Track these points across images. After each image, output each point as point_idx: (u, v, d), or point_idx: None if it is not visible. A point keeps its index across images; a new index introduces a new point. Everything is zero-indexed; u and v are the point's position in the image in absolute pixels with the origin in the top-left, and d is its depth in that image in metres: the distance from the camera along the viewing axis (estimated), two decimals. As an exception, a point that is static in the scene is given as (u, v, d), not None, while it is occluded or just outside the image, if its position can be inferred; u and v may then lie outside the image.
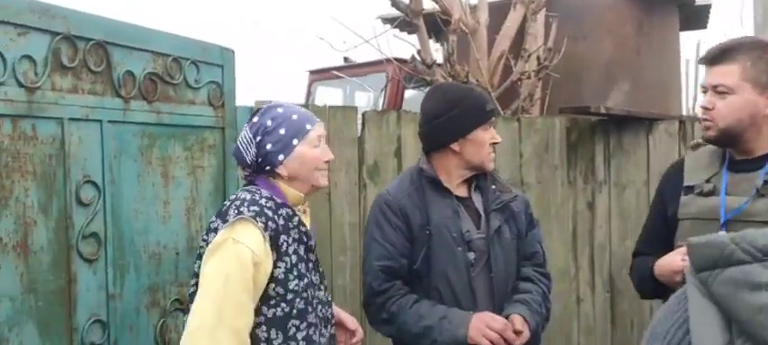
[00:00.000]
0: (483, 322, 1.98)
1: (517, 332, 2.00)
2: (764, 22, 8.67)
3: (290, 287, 1.77)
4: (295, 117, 1.87)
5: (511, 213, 2.17)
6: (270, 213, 1.77)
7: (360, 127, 3.09)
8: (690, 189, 1.97)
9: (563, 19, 3.94)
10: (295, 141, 1.84)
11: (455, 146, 2.11)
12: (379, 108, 6.06)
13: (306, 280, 1.82)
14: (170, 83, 2.40)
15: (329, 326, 1.94)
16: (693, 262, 0.58)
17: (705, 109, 1.86)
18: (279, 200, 1.83)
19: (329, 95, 7.48)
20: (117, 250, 2.17)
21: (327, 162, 1.93)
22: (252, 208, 1.75)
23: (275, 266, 1.74)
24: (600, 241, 3.58)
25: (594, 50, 4.36)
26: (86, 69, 2.11)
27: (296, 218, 1.84)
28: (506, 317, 2.03)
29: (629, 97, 4.09)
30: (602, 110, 3.46)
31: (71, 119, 2.04)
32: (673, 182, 2.05)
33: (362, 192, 3.04)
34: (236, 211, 1.75)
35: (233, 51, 2.69)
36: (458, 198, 2.15)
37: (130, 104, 2.24)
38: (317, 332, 1.84)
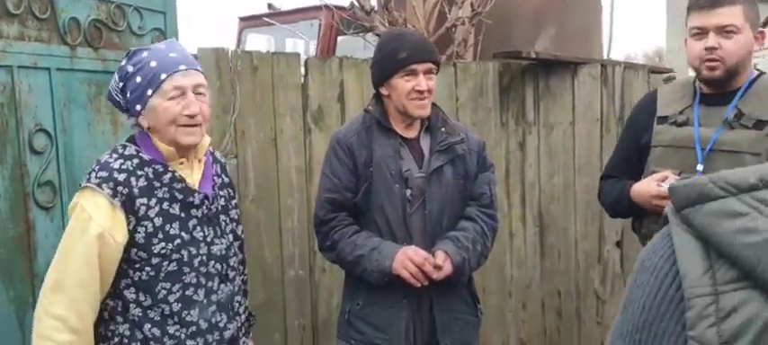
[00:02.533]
0: (406, 256, 2.12)
1: (437, 267, 2.14)
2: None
3: (155, 251, 1.70)
4: (153, 64, 1.71)
5: (456, 155, 2.28)
6: (123, 176, 1.67)
7: (303, 73, 3.15)
8: (664, 119, 2.17)
9: (494, -34, 4.06)
10: (149, 91, 1.70)
11: (383, 91, 2.26)
12: (311, 55, 6.07)
13: (178, 241, 1.73)
14: (114, 29, 2.39)
15: (228, 282, 1.86)
16: (675, 202, 0.66)
17: (712, 49, 1.98)
18: (148, 157, 1.73)
19: (260, 43, 7.40)
20: (72, 198, 2.19)
21: (190, 116, 1.72)
22: (100, 174, 1.67)
23: (135, 231, 1.68)
24: (530, 179, 3.81)
25: (522, -3, 4.53)
26: (32, 16, 2.08)
27: (167, 175, 1.74)
28: (434, 252, 2.18)
29: (555, 42, 4.30)
30: (533, 55, 3.64)
31: (20, 66, 2.02)
32: (646, 112, 2.25)
33: (308, 137, 3.12)
34: (87, 177, 1.69)
35: (174, -3, 2.69)
36: (404, 138, 2.27)
37: (77, 52, 2.23)
38: (201, 291, 1.78)
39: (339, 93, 3.20)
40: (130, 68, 1.72)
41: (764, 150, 1.96)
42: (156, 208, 1.70)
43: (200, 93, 1.76)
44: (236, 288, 1.91)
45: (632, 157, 2.28)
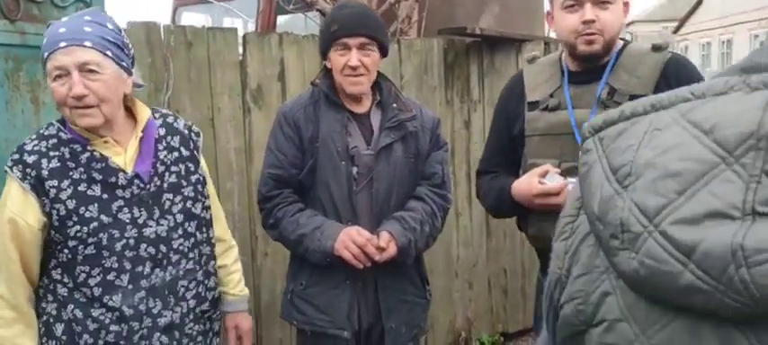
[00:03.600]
0: (348, 236, 2.06)
1: (381, 249, 2.07)
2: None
3: (71, 234, 1.64)
4: (45, 41, 1.62)
5: (407, 132, 2.19)
6: (33, 159, 1.62)
7: (241, 50, 3.01)
8: (534, 104, 1.97)
9: (437, -58, 3.99)
10: (44, 71, 1.64)
11: (327, 64, 2.17)
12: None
13: (94, 224, 1.64)
14: (33, 1, 2.20)
15: (169, 266, 1.75)
16: (593, 127, 0.71)
17: (589, 22, 1.81)
18: (67, 136, 1.66)
19: (196, 21, 7.15)
20: (-12, 182, 2.02)
21: (76, 98, 1.60)
22: (13, 157, 1.64)
23: (50, 213, 1.63)
24: (476, 157, 3.77)
25: (467, -26, 4.47)
26: (-63, -17, 1.89)
27: (85, 155, 1.65)
28: (378, 233, 2.11)
29: (498, 19, 4.27)
30: (477, 32, 3.60)
31: (-76, 39, 1.83)
32: (514, 98, 2.06)
33: (247, 117, 2.99)
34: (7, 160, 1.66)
35: (100, -32, 2.50)
36: (354, 114, 2.19)
37: (-10, 24, 2.05)
38: (125, 276, 1.68)
39: (279, 71, 3.08)
40: (44, 41, 1.65)
41: None
42: (69, 190, 1.63)
43: (90, 71, 1.61)
44: (182, 272, 1.79)
45: (507, 148, 2.08)
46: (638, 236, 0.59)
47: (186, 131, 1.90)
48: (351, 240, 2.06)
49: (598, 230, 0.65)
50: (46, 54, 1.61)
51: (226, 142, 2.93)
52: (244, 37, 3.03)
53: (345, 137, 2.14)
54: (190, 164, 1.86)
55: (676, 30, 34.52)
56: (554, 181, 1.87)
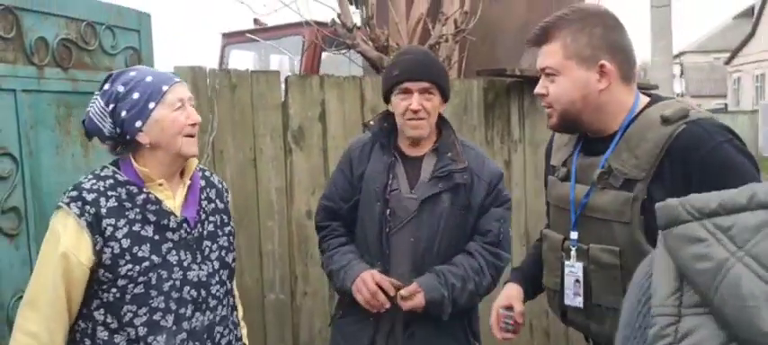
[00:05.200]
0: (362, 280, 2.09)
1: (404, 298, 2.07)
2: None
3: (122, 272, 1.67)
4: (149, 79, 1.73)
5: (456, 183, 2.15)
6: (92, 196, 1.67)
7: (283, 91, 3.08)
8: (553, 169, 1.84)
9: (478, -18, 4.03)
10: (151, 105, 1.70)
11: (390, 108, 2.24)
12: (296, 71, 6.01)
13: (146, 263, 1.69)
14: (85, 49, 2.31)
15: (207, 311, 1.80)
16: (659, 223, 0.66)
17: (541, 95, 1.69)
18: (123, 178, 1.72)
19: (243, 59, 7.34)
20: (39, 224, 2.09)
21: (194, 125, 1.76)
22: (71, 194, 1.67)
23: (102, 251, 1.66)
24: (517, 197, 3.75)
25: (508, 13, 4.50)
26: (-4, 35, 2.00)
27: (141, 196, 1.72)
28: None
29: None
30: (517, 72, 3.60)
31: (-17, 88, 1.94)
32: (546, 161, 1.96)
33: (288, 157, 3.04)
34: (63, 196, 1.70)
35: (149, 15, 2.61)
36: (407, 157, 2.22)
37: (45, 72, 2.15)
38: (170, 317, 1.73)
39: (320, 113, 3.13)
40: (121, 88, 1.71)
41: (634, 217, 1.56)
42: (125, 229, 1.68)
43: (192, 106, 1.81)
44: (218, 319, 1.84)
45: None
46: None
47: (220, 185, 1.99)
48: (364, 284, 2.09)
49: None
50: (165, 87, 1.72)
51: (267, 182, 2.99)
52: (286, 79, 3.10)
53: (385, 179, 2.18)
54: (224, 216, 1.94)
55: (728, 62, 33.75)
56: (505, 326, 1.89)
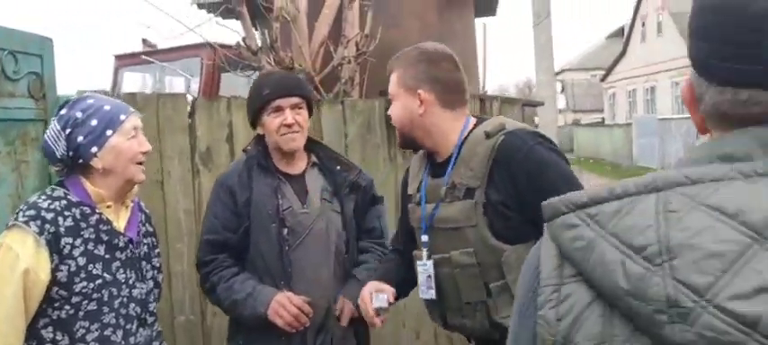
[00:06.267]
0: (279, 304, 2.14)
1: (338, 317, 2.21)
2: (542, 8, 9.80)
3: (76, 290, 1.74)
4: (108, 107, 1.83)
5: (346, 189, 2.33)
6: (51, 216, 1.73)
7: (189, 114, 3.10)
8: (411, 198, 2.06)
9: (377, 7, 4.21)
10: (109, 132, 1.80)
11: (260, 130, 2.31)
12: (194, 93, 5.95)
13: (99, 281, 1.77)
14: (-14, 74, 2.26)
15: (147, 327, 1.92)
16: (544, 216, 0.83)
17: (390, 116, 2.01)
18: (75, 199, 1.79)
19: (137, 81, 7.17)
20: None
21: (145, 153, 1.88)
22: (27, 213, 1.72)
23: (57, 269, 1.72)
24: (418, 211, 3.93)
25: (404, 36, 4.70)
26: None
27: (94, 217, 1.80)
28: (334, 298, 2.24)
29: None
30: (416, 92, 3.79)
31: None
32: (405, 191, 2.15)
33: (196, 179, 3.07)
34: (15, 216, 1.75)
35: (51, 40, 2.58)
36: (287, 175, 2.30)
37: (-56, 99, 2.09)
38: (120, 332, 1.82)
39: (228, 134, 3.18)
40: (80, 114, 1.79)
41: (479, 219, 1.82)
42: (81, 248, 1.75)
43: (142, 135, 1.92)
44: (154, 334, 1.97)
45: (410, 236, 2.13)
46: (690, 311, 0.67)
47: (147, 211, 2.10)
48: (282, 306, 2.14)
49: (630, 304, 0.71)
50: (122, 116, 1.84)
51: (175, 203, 3.00)
52: (193, 102, 3.13)
53: (275, 200, 2.24)
54: (154, 239, 2.06)
55: (603, 79, 36.18)
56: (378, 302, 1.98)
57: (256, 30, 4.48)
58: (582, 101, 41.59)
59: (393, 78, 1.96)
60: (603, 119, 36.08)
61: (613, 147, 26.13)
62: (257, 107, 2.26)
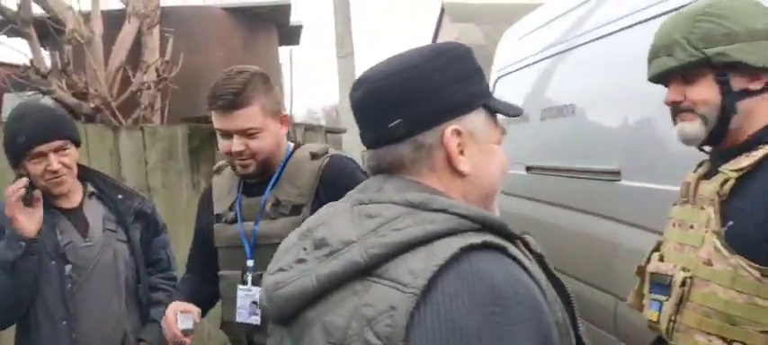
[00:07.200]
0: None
1: None
2: (343, 32, 10.25)
3: None
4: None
5: (131, 218, 2.23)
6: None
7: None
8: (219, 217, 1.99)
9: (178, 33, 4.20)
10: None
11: (23, 172, 2.08)
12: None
13: None
14: None
15: None
16: None
17: (239, 153, 1.86)
18: None
19: None
20: None
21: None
22: None
23: None
24: (223, 236, 3.96)
25: (207, 63, 4.73)
26: None
27: None
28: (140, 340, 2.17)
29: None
30: (220, 119, 3.83)
31: None
32: (206, 211, 2.08)
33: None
34: None
35: None
36: (65, 210, 2.15)
37: None
38: None
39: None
40: None
41: None
42: None
43: None
44: None
45: (210, 256, 2.05)
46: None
47: None
48: None
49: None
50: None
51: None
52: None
53: (54, 236, 2.08)
54: None
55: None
56: (185, 324, 1.94)
57: (46, 50, 4.23)
58: (386, 125, 43.34)
59: (254, 111, 1.83)
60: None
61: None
62: (16, 153, 2.05)
